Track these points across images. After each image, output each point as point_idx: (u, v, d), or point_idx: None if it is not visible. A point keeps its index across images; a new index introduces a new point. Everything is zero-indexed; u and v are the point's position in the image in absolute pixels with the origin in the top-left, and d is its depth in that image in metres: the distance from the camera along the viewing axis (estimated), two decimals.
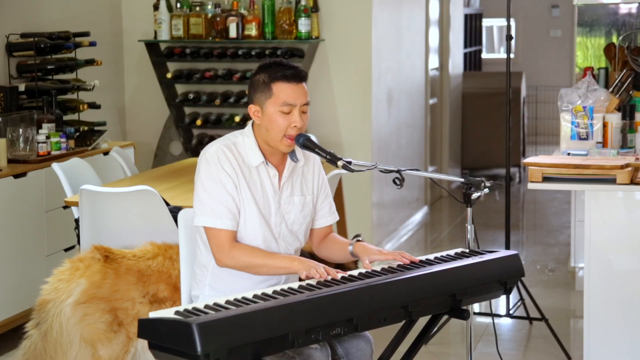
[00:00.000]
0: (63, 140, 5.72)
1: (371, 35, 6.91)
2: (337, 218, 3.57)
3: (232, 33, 6.76)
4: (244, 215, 3.32)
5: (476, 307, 5.77)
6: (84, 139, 6.05)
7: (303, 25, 6.69)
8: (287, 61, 3.34)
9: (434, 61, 9.25)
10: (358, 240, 3.45)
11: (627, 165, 4.21)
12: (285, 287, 3.13)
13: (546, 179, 4.30)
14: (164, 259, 4.08)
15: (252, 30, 6.75)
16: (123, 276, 4.02)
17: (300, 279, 3.28)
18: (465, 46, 11.19)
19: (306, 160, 3.47)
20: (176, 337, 2.75)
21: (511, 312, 5.48)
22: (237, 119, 6.84)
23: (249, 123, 3.41)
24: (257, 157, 3.35)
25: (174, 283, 4.04)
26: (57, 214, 5.57)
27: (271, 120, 3.29)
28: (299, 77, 3.30)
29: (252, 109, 3.34)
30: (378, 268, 3.32)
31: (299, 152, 3.43)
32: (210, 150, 3.32)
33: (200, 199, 3.30)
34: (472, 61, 11.99)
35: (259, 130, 3.35)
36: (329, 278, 3.16)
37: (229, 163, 3.30)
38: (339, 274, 3.20)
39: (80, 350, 3.98)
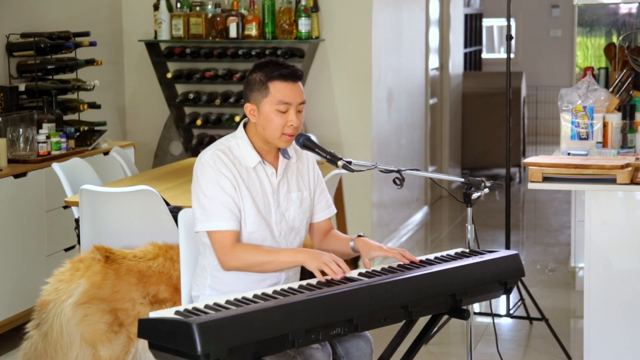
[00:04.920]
0: (63, 140, 5.72)
1: (371, 35, 6.91)
2: (335, 211, 3.57)
3: (232, 33, 6.76)
4: (244, 217, 3.31)
5: (476, 307, 5.77)
6: (84, 139, 6.05)
7: (303, 25, 6.69)
8: (283, 60, 3.34)
9: (434, 61, 9.25)
10: (359, 236, 3.44)
11: (627, 165, 4.21)
12: (285, 287, 3.13)
13: (546, 179, 4.30)
14: (164, 260, 4.08)
15: (252, 30, 6.75)
16: (124, 277, 4.02)
17: (302, 278, 3.28)
18: (465, 46, 11.19)
19: (299, 157, 3.48)
20: (176, 337, 2.75)
21: (511, 312, 5.48)
22: (237, 119, 6.85)
23: (240, 125, 3.41)
24: (254, 158, 3.35)
25: (174, 284, 4.04)
26: (57, 214, 5.57)
27: (267, 119, 3.30)
28: (296, 76, 3.31)
29: (247, 107, 3.34)
30: (378, 268, 3.32)
31: (291, 149, 3.44)
32: (205, 156, 3.32)
33: (200, 204, 3.29)
34: (472, 61, 11.99)
35: (254, 130, 3.35)
36: (339, 276, 3.16)
37: (226, 166, 3.29)
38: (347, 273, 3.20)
39: (80, 350, 3.98)
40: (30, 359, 4.04)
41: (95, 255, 4.06)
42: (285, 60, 3.40)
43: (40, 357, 4.01)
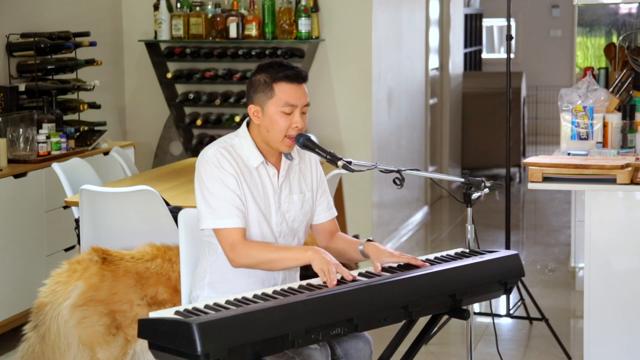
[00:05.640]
0: (63, 140, 5.72)
1: (371, 35, 6.91)
2: (336, 213, 3.56)
3: (232, 33, 6.76)
4: (245, 216, 3.31)
5: (476, 307, 5.77)
6: (84, 139, 6.05)
7: (303, 25, 6.69)
8: (287, 61, 3.34)
9: (434, 61, 9.25)
10: (369, 240, 3.43)
11: (627, 165, 4.21)
12: (285, 287, 3.13)
13: (546, 179, 4.30)
14: (162, 261, 4.07)
15: (252, 30, 6.75)
16: (121, 278, 4.00)
17: (301, 278, 3.28)
18: (466, 46, 11.19)
19: (302, 158, 3.47)
20: (176, 337, 2.75)
21: (511, 312, 5.48)
22: (237, 119, 6.84)
23: (243, 124, 3.40)
24: (257, 158, 3.34)
25: (173, 285, 4.02)
26: (57, 214, 5.57)
27: (272, 120, 3.29)
28: (301, 77, 3.30)
29: (251, 109, 3.33)
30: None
31: (294, 150, 3.43)
32: (208, 153, 3.31)
33: (206, 201, 3.27)
34: (472, 61, 11.99)
35: (258, 131, 3.34)
36: (336, 281, 3.14)
37: (229, 163, 3.28)
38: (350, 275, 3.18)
39: (78, 353, 3.97)
40: None
41: (93, 257, 4.05)
42: (289, 61, 3.39)
43: (38, 359, 4.00)
